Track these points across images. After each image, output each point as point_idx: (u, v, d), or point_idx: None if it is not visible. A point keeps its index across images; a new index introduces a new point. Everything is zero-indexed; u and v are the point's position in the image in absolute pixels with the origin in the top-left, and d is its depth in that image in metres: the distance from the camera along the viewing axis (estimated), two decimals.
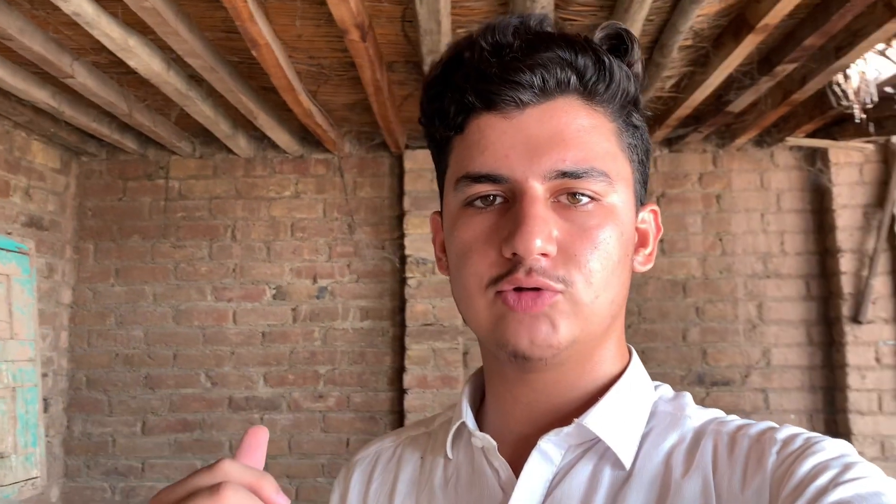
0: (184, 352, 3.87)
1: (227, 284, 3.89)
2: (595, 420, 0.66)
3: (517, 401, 0.71)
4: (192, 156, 3.94)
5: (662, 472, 0.64)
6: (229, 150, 3.89)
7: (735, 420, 0.67)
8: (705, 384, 3.76)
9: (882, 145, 3.70)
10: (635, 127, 0.70)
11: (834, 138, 3.67)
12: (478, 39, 0.66)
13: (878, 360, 3.63)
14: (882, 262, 3.65)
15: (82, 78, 2.78)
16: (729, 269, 3.83)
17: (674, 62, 2.64)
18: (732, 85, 2.93)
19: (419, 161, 3.80)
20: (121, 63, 2.73)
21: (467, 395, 0.77)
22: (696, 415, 0.68)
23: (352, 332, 3.86)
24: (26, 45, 2.45)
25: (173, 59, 2.73)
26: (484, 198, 0.66)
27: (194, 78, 2.93)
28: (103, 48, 2.59)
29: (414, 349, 3.73)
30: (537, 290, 0.63)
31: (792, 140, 3.66)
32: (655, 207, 0.76)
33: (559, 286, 0.63)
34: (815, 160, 3.81)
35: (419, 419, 0.87)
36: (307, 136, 3.80)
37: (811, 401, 3.74)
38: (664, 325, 3.80)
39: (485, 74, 0.65)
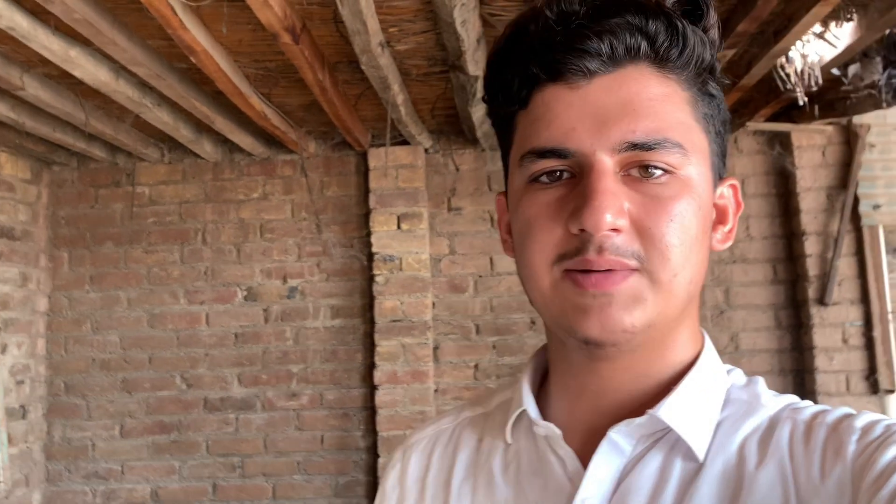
0: (159, 355, 3.92)
1: (199, 287, 3.94)
2: (669, 411, 0.62)
3: (584, 388, 0.67)
4: (161, 161, 3.99)
5: (736, 463, 0.61)
6: (197, 155, 3.93)
7: (810, 406, 0.63)
8: None
9: (843, 127, 3.70)
10: (711, 96, 0.65)
11: (794, 121, 3.67)
12: (542, 9, 0.62)
13: (845, 341, 3.63)
14: (846, 244, 3.65)
15: (34, 90, 2.83)
16: None
17: None
18: None
19: (383, 158, 3.83)
20: (72, 73, 2.78)
21: (528, 377, 0.72)
22: (772, 402, 0.65)
23: (323, 331, 3.90)
24: None
25: (122, 67, 2.77)
26: (550, 173, 0.62)
27: (146, 85, 2.97)
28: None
29: (383, 345, 3.77)
30: (609, 270, 0.59)
31: (752, 125, 3.66)
32: (735, 182, 0.70)
33: (633, 262, 0.59)
34: (778, 144, 3.82)
35: (477, 395, 0.82)
36: (272, 138, 3.84)
37: (781, 384, 3.75)
38: None
39: (550, 43, 0.61)
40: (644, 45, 0.61)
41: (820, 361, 3.62)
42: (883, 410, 3.55)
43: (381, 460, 3.73)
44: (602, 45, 0.60)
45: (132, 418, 3.89)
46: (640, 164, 0.60)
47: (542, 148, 0.62)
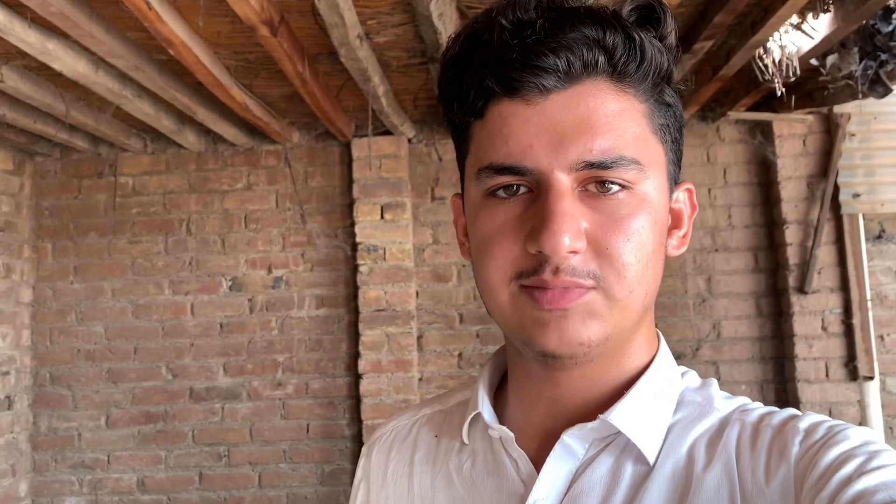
0: (144, 345, 3.93)
1: (184, 278, 3.95)
2: (620, 416, 0.63)
3: (541, 395, 0.69)
4: (145, 152, 3.99)
5: (685, 465, 0.62)
6: (180, 146, 3.92)
7: (759, 408, 0.65)
8: None
9: (824, 116, 3.73)
10: (668, 105, 0.65)
11: (775, 111, 3.69)
12: (497, 17, 0.61)
13: (824, 328, 3.67)
14: (826, 232, 3.68)
15: (13, 82, 2.82)
16: None
17: None
18: None
19: (367, 149, 3.84)
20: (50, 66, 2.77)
21: (485, 379, 0.74)
22: (724, 405, 0.66)
23: (308, 321, 3.92)
24: None
25: (100, 59, 2.76)
26: (507, 188, 0.62)
27: (126, 77, 2.96)
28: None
29: (368, 335, 3.79)
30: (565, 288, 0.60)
31: (734, 114, 3.68)
32: (690, 186, 0.71)
33: (589, 282, 0.60)
34: (760, 133, 3.84)
35: (437, 394, 0.84)
36: (255, 129, 3.83)
37: (761, 371, 3.79)
38: None
39: (505, 58, 0.60)
40: (601, 59, 0.60)
41: (800, 349, 3.66)
42: (862, 397, 3.59)
43: None
44: (559, 62, 0.59)
45: (118, 408, 3.91)
46: (597, 180, 0.61)
47: (499, 164, 0.62)
